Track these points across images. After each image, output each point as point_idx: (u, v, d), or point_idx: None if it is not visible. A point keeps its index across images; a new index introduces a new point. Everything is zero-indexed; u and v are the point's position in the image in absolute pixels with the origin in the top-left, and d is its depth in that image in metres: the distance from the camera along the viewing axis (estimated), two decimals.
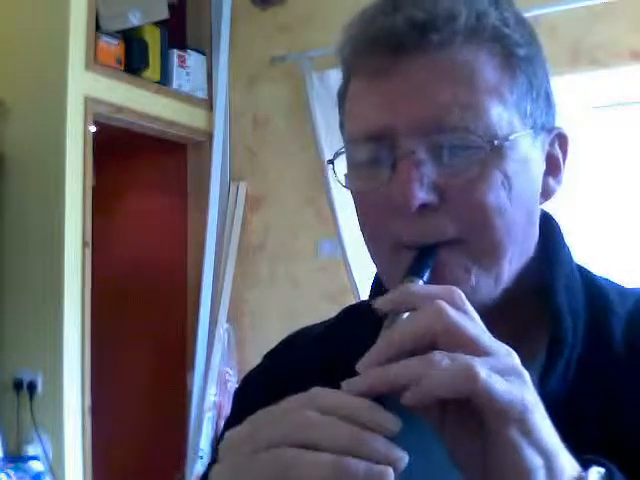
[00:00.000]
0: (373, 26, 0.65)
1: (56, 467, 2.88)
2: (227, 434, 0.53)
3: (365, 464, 0.47)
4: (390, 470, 0.47)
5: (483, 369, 0.49)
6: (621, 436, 0.61)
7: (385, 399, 0.51)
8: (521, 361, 0.53)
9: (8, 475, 2.70)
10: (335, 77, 2.95)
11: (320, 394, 0.51)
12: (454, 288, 0.54)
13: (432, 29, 0.63)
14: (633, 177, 2.97)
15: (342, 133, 0.72)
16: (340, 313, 0.84)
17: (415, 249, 0.64)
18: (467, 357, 0.50)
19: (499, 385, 0.49)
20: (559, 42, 2.81)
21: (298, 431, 0.48)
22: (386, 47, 0.64)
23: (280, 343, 0.86)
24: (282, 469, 0.47)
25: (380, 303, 0.56)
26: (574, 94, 2.94)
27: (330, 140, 3.13)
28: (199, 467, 3.31)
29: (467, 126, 0.63)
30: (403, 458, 0.48)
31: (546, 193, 0.71)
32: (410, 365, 0.51)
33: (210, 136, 3.60)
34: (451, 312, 0.52)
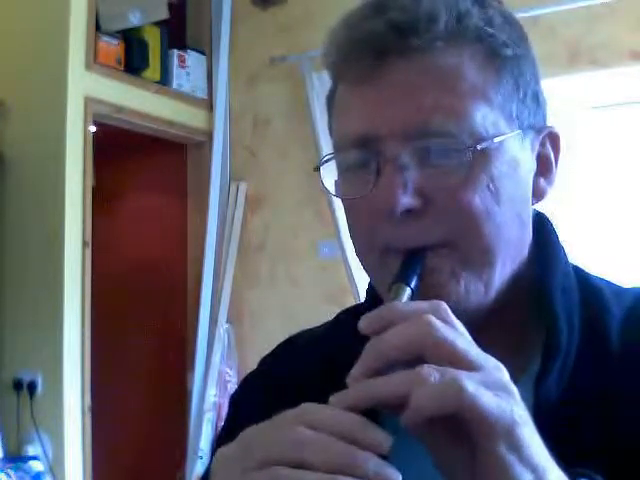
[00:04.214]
0: (356, 31, 0.65)
1: (56, 467, 2.88)
2: (219, 451, 0.52)
3: None
4: None
5: (470, 383, 0.49)
6: (618, 439, 0.60)
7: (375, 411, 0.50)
8: (516, 368, 0.53)
9: (8, 475, 2.70)
10: None
11: (310, 410, 0.50)
12: (440, 302, 0.53)
13: (413, 33, 0.63)
14: (633, 177, 2.97)
15: (332, 139, 0.72)
16: (337, 316, 0.83)
17: (402, 254, 0.64)
18: (455, 371, 0.49)
19: (487, 399, 0.49)
20: (559, 42, 2.81)
21: (289, 449, 0.48)
22: (369, 52, 0.64)
23: (276, 347, 0.85)
24: None
25: (364, 324, 0.55)
26: (574, 94, 2.94)
27: (330, 140, 3.12)
28: (199, 467, 3.32)
29: (450, 130, 0.62)
30: (397, 479, 0.48)
31: (537, 194, 0.70)
32: (397, 380, 0.50)
33: (210, 136, 3.60)
34: (439, 325, 0.52)
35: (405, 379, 0.50)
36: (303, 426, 0.49)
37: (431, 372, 0.49)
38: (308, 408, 0.50)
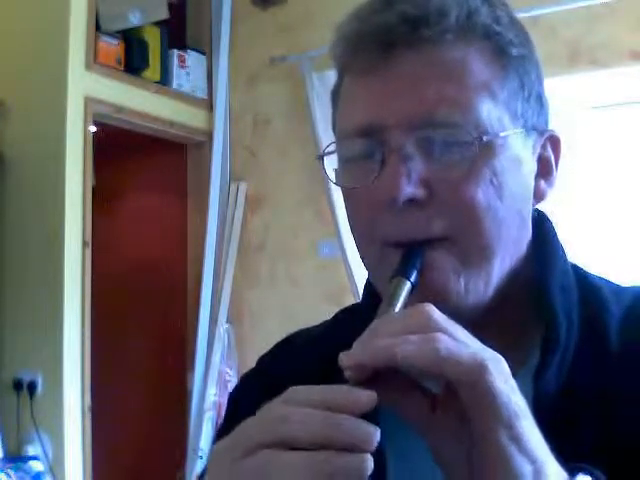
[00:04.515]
0: (366, 23, 0.65)
1: (56, 467, 2.88)
2: (213, 447, 0.53)
3: (341, 460, 0.47)
4: (365, 464, 0.47)
5: (493, 365, 0.50)
6: (616, 438, 0.60)
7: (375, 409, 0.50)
8: (515, 361, 0.53)
9: (8, 475, 2.70)
10: (335, 77, 2.94)
11: (296, 390, 0.51)
12: (426, 310, 0.53)
13: (423, 25, 0.63)
14: (633, 177, 2.97)
15: (334, 132, 0.72)
16: (335, 315, 0.84)
17: (402, 247, 0.64)
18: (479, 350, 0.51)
19: (501, 384, 0.50)
20: (559, 42, 2.81)
21: (274, 427, 0.48)
22: (378, 43, 0.64)
23: (274, 346, 0.86)
24: (262, 473, 0.47)
25: (346, 360, 0.53)
26: (574, 94, 2.94)
27: (330, 140, 3.12)
28: (199, 467, 3.32)
29: (456, 122, 0.62)
30: (375, 433, 0.48)
31: (538, 195, 0.70)
32: (418, 338, 0.51)
33: (210, 136, 3.60)
34: (440, 319, 0.52)
35: (424, 339, 0.51)
36: (287, 404, 0.50)
37: (449, 340, 0.51)
38: (294, 389, 0.51)
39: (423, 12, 0.64)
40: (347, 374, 0.52)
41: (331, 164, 0.71)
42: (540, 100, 0.69)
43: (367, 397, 0.49)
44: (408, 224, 0.64)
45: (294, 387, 0.51)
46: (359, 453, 0.47)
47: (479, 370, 0.50)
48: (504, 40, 0.66)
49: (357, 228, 0.70)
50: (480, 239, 0.64)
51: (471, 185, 0.63)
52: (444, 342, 0.50)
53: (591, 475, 0.52)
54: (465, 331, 0.53)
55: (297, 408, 0.49)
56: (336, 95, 0.72)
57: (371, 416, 0.49)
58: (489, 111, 0.64)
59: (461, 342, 0.51)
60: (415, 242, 0.64)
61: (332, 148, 0.70)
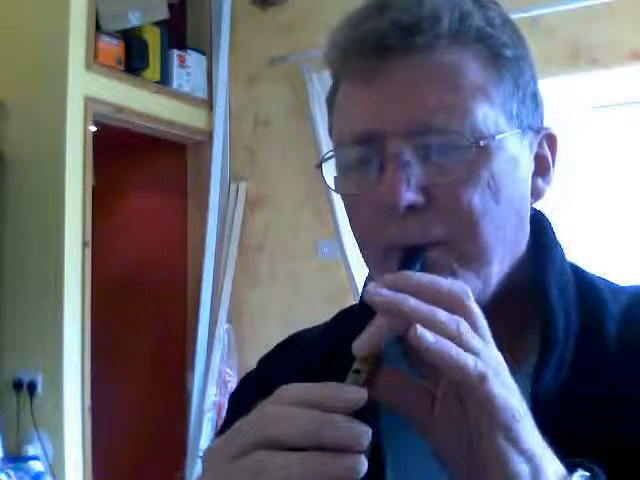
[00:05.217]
0: (359, 30, 0.65)
1: (56, 467, 2.88)
2: (210, 445, 0.53)
3: (334, 462, 0.46)
4: (358, 466, 0.46)
5: (491, 371, 0.50)
6: (616, 434, 0.60)
7: (376, 406, 0.50)
8: (514, 362, 0.53)
9: (8, 475, 2.70)
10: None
11: (288, 389, 0.51)
12: (461, 286, 0.54)
13: (417, 31, 0.63)
14: (633, 177, 2.97)
15: (331, 138, 0.72)
16: (336, 315, 0.84)
17: (403, 251, 0.64)
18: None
19: (499, 390, 0.50)
20: (559, 42, 2.81)
21: (265, 426, 0.48)
22: (372, 50, 0.64)
23: (275, 347, 0.86)
24: (255, 474, 0.47)
25: (371, 295, 0.53)
26: (574, 94, 2.94)
27: (330, 140, 3.13)
28: (199, 467, 3.32)
29: (453, 127, 0.63)
30: (366, 432, 0.47)
31: (536, 193, 0.71)
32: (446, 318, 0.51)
33: (210, 136, 3.60)
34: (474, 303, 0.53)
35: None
36: (276, 404, 0.49)
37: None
38: (286, 388, 0.51)
39: (416, 18, 0.63)
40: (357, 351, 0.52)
41: (330, 171, 0.71)
42: (535, 99, 0.70)
43: (357, 394, 0.49)
44: (408, 229, 0.64)
45: (284, 385, 0.51)
46: (353, 455, 0.46)
47: (478, 375, 0.50)
48: (497, 42, 0.66)
49: (358, 233, 0.70)
50: (478, 242, 0.64)
51: (469, 190, 0.63)
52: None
53: (589, 471, 0.53)
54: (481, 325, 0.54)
55: (286, 407, 0.49)
56: (331, 102, 0.72)
57: (370, 416, 0.49)
58: (485, 114, 0.64)
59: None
60: (415, 246, 0.64)
61: (330, 155, 0.70)
